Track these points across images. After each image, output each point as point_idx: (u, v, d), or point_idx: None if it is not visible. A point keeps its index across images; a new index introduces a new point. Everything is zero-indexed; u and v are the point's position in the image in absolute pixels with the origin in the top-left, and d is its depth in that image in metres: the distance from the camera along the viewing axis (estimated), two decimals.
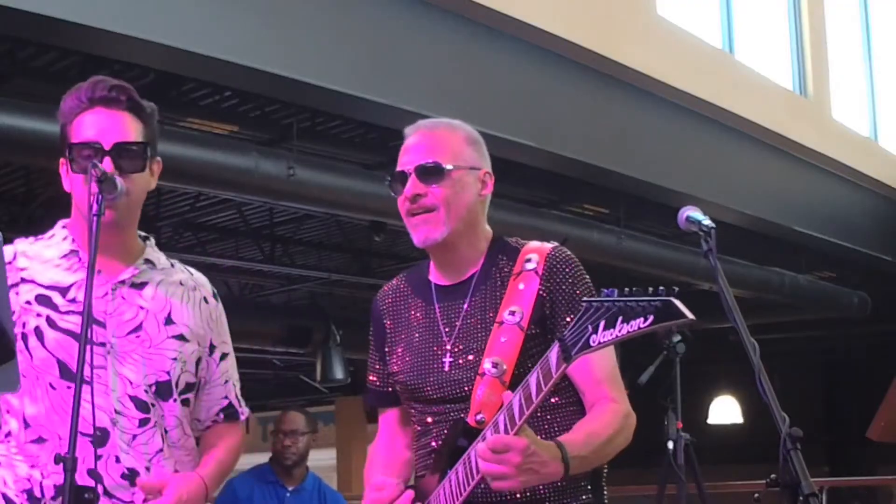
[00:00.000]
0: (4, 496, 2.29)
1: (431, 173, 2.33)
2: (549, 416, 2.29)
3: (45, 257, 2.36)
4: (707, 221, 2.27)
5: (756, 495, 2.21)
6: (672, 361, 5.32)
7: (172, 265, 2.47)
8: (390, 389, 2.48)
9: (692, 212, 2.31)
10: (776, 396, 2.06)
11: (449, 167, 2.34)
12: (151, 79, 5.21)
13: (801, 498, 1.99)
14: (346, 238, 8.74)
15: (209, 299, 2.47)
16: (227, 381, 2.50)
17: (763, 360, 2.10)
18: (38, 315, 2.29)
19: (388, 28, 5.51)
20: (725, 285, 2.17)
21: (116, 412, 2.26)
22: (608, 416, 2.24)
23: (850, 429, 10.73)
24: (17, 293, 2.30)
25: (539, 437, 2.12)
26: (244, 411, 2.55)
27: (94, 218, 2.12)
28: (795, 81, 9.14)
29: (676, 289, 1.90)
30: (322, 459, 12.61)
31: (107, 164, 2.24)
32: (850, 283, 10.52)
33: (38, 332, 2.29)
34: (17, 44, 5.08)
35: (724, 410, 12.75)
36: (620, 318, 1.92)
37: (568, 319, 2.19)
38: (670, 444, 5.05)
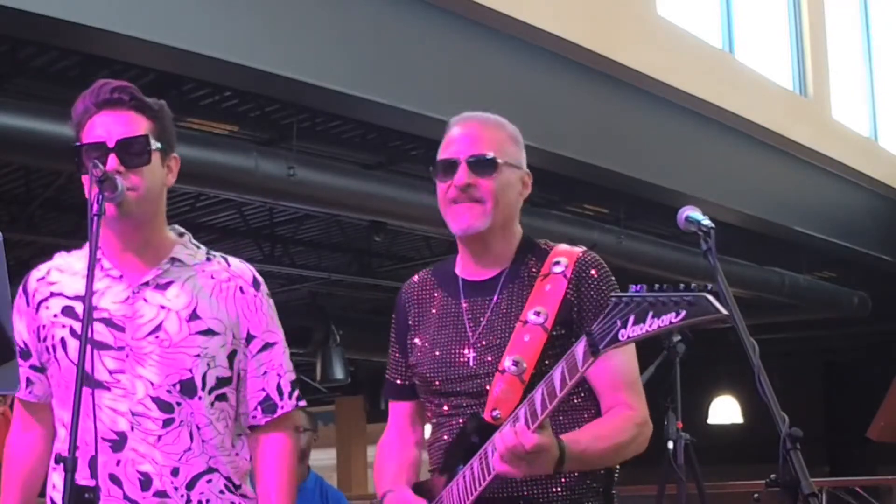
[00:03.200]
0: (52, 500, 2.36)
1: (484, 165, 2.32)
2: (560, 418, 2.25)
3: (75, 269, 2.38)
4: (706, 221, 2.27)
5: (756, 495, 2.22)
6: (672, 361, 5.31)
7: (209, 258, 2.43)
8: (408, 382, 2.46)
9: (692, 212, 2.30)
10: (776, 396, 2.06)
11: (501, 161, 2.34)
12: (151, 79, 5.20)
13: (800, 498, 1.99)
14: (346, 238, 8.73)
15: (246, 289, 2.42)
16: (265, 373, 2.44)
17: (763, 360, 2.10)
18: (63, 326, 2.35)
19: (388, 28, 5.51)
20: (725, 285, 2.16)
21: (135, 415, 2.28)
22: (620, 423, 2.23)
23: (850, 429, 10.71)
24: (46, 307, 2.38)
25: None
26: (286, 405, 2.44)
27: (95, 218, 2.13)
28: (795, 81, 9.14)
29: (710, 285, 1.90)
30: (322, 459, 12.62)
31: (112, 162, 2.25)
32: (850, 283, 10.51)
33: (63, 342, 2.34)
34: (17, 44, 5.08)
35: (724, 410, 12.74)
36: (651, 314, 1.90)
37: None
38: (670, 444, 5.04)
